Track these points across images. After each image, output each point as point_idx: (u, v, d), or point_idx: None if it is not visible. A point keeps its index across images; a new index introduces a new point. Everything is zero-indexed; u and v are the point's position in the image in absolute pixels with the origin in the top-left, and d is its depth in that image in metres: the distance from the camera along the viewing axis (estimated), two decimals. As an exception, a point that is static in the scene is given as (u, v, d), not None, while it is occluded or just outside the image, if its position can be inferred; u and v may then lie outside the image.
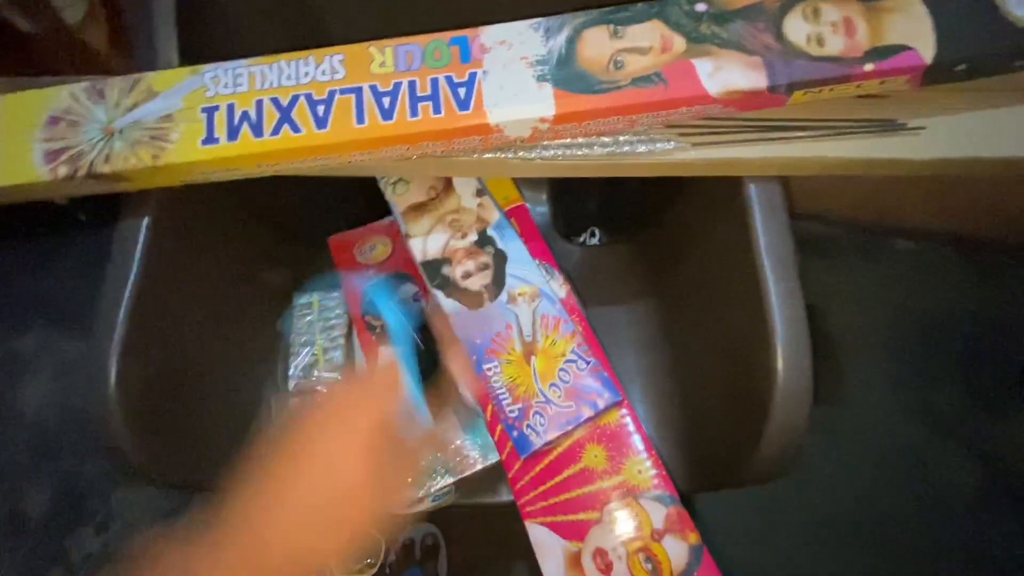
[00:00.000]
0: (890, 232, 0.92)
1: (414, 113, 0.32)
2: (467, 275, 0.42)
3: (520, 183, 0.49)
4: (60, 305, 0.99)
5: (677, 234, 0.46)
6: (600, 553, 0.36)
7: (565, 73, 0.32)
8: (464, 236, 0.43)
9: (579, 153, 0.35)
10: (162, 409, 0.38)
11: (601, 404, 0.38)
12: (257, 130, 0.32)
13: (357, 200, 0.51)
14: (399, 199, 0.44)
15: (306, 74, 0.33)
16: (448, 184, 0.45)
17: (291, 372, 0.45)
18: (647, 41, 0.32)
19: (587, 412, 0.37)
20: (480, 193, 0.43)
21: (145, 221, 0.38)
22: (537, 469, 0.39)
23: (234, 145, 0.32)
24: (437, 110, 0.32)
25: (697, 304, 0.43)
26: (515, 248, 0.42)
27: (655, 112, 0.32)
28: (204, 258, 0.43)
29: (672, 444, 0.42)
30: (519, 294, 0.41)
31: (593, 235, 0.54)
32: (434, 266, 0.43)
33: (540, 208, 0.56)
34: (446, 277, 0.42)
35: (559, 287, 0.42)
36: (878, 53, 0.31)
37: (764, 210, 0.35)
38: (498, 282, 0.41)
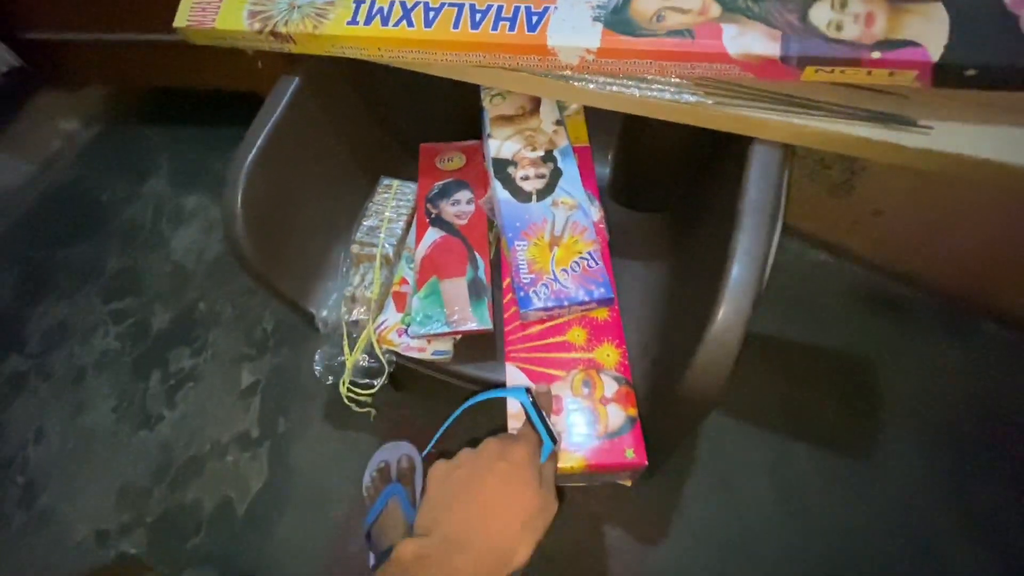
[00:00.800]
0: (980, 310, 0.86)
1: (495, 28, 0.42)
2: (526, 177, 0.52)
3: (592, 136, 0.58)
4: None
5: (694, 208, 0.52)
6: (556, 399, 0.44)
7: (617, 17, 0.40)
8: (534, 149, 0.53)
9: (615, 89, 0.42)
10: (270, 221, 0.52)
11: (596, 294, 0.46)
12: (385, 20, 0.44)
13: (452, 122, 0.63)
14: (493, 108, 0.55)
15: (430, -12, 0.44)
16: (535, 108, 0.55)
17: (361, 227, 0.57)
18: (689, 4, 0.39)
19: (583, 296, 0.46)
20: (558, 123, 0.54)
21: (296, 80, 0.51)
22: (529, 331, 0.48)
23: (366, 28, 0.44)
24: (512, 28, 0.41)
25: (697, 259, 0.48)
26: (570, 171, 0.51)
27: (680, 61, 0.39)
28: (327, 124, 0.56)
29: (640, 361, 0.48)
30: (562, 202, 0.50)
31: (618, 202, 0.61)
32: (502, 164, 0.53)
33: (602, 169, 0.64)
34: (509, 175, 0.52)
35: (595, 211, 0.51)
36: (888, 44, 0.35)
37: (759, 168, 0.40)
38: (548, 189, 0.51)
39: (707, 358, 0.37)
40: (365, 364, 0.54)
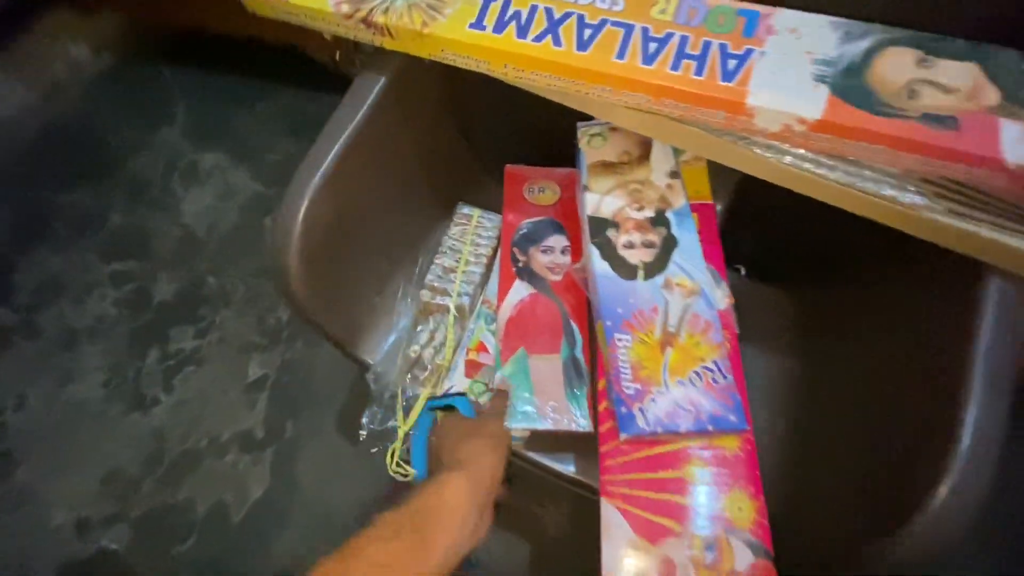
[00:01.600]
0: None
1: (675, 67, 0.31)
2: (630, 245, 0.41)
3: (713, 184, 0.47)
4: (246, 142, 1.12)
5: (856, 293, 0.42)
6: (668, 564, 0.34)
7: (850, 83, 0.29)
8: (641, 208, 0.42)
9: (809, 168, 0.32)
10: (327, 253, 0.42)
11: (725, 424, 0.36)
12: (522, 31, 0.33)
13: (545, 141, 0.52)
14: (591, 151, 0.43)
15: (587, -4, 0.33)
16: (644, 154, 0.44)
17: (432, 267, 0.47)
18: (956, 81, 0.29)
19: (706, 423, 0.35)
20: (674, 175, 0.42)
21: (382, 81, 0.40)
22: (633, 456, 0.38)
23: (496, 37, 0.34)
24: (699, 71, 0.31)
25: (854, 375, 0.39)
26: (689, 240, 0.40)
27: (933, 157, 0.29)
28: (406, 136, 0.45)
29: (780, 504, 0.38)
30: (677, 283, 0.39)
31: (738, 270, 0.51)
32: (601, 224, 0.42)
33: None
34: (608, 239, 0.41)
35: (722, 297, 0.40)
36: None
37: (999, 311, 0.30)
38: (659, 264, 0.40)
39: (909, 543, 0.29)
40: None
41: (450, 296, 0.45)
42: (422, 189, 0.50)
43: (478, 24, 0.34)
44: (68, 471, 0.89)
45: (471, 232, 0.49)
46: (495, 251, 0.49)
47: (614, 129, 0.44)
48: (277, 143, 1.11)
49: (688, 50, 0.31)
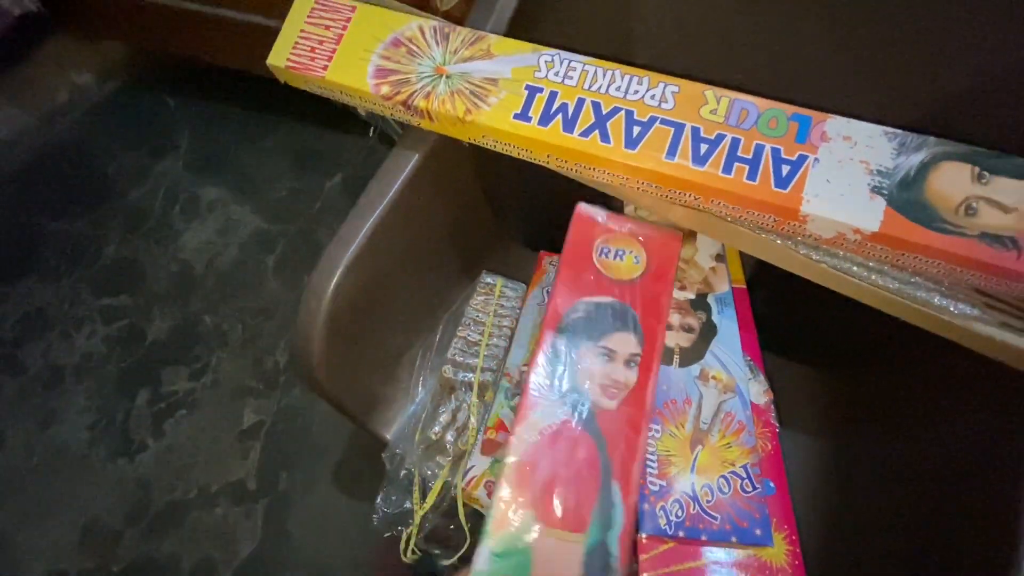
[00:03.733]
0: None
1: (726, 170, 0.31)
2: (668, 326, 0.40)
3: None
4: (250, 176, 1.11)
5: (899, 380, 0.41)
6: None
7: (907, 196, 0.29)
8: (682, 288, 0.41)
9: (865, 275, 0.32)
10: (349, 329, 0.40)
11: (749, 538, 0.34)
12: (568, 125, 0.33)
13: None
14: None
15: (636, 92, 0.33)
16: (690, 233, 0.43)
17: (455, 340, 0.45)
18: (1014, 200, 0.28)
19: (730, 535, 0.34)
20: (719, 258, 0.41)
21: (417, 157, 0.39)
22: (661, 549, 0.35)
23: (541, 130, 0.33)
24: (752, 176, 0.30)
25: (895, 468, 0.38)
26: (728, 329, 0.39)
27: (991, 275, 0.28)
28: (435, 208, 0.44)
29: None
30: (713, 376, 0.38)
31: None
32: None
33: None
34: None
35: (759, 392, 0.39)
36: None
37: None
38: (695, 353, 0.39)
39: None
40: (439, 522, 0.43)
41: (473, 372, 0.44)
42: (446, 257, 0.49)
43: (523, 115, 0.33)
44: (46, 520, 0.84)
45: (494, 303, 0.47)
46: (517, 322, 0.47)
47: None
48: (282, 178, 1.10)
49: (740, 153, 0.31)
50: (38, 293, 1.02)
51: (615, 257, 0.35)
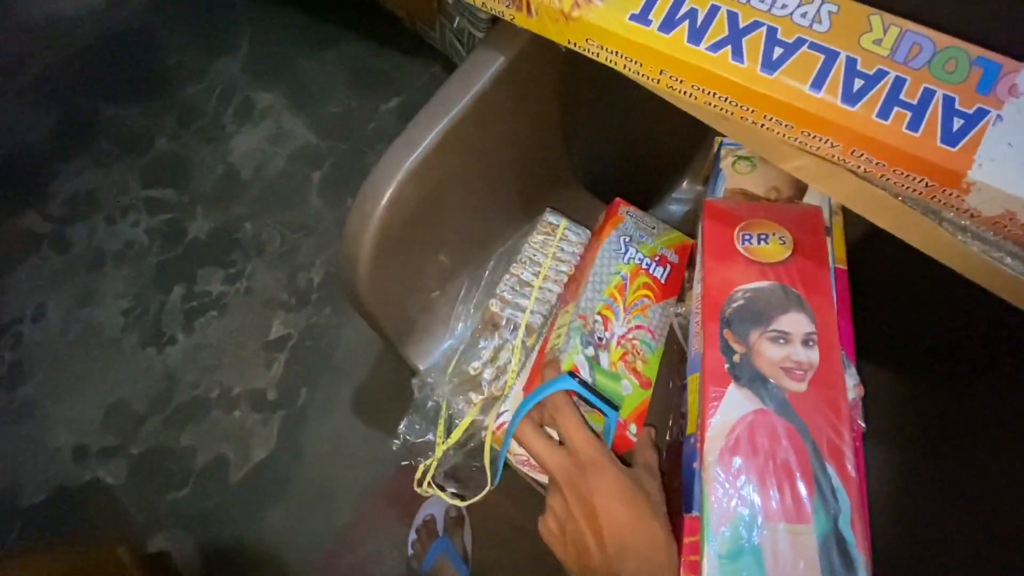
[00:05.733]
0: None
1: (882, 114, 0.25)
2: None
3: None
4: (306, 88, 1.07)
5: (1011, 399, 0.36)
6: None
7: (1113, 176, 0.23)
8: None
9: (1012, 264, 0.26)
10: (399, 244, 0.37)
11: None
12: (695, 36, 0.27)
13: (658, 159, 0.46)
14: (733, 176, 0.38)
15: (783, 6, 0.27)
16: (794, 197, 0.38)
17: (507, 277, 0.42)
18: None
19: None
20: (826, 231, 0.36)
21: (501, 61, 0.35)
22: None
23: (660, 37, 0.28)
24: (913, 126, 0.25)
25: (995, 495, 0.33)
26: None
27: None
28: (509, 127, 0.40)
29: None
30: None
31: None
32: None
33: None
34: None
35: (852, 386, 0.34)
36: None
37: None
38: None
39: None
40: (461, 461, 0.40)
41: (522, 313, 0.40)
42: (509, 187, 0.45)
43: (642, 17, 0.28)
44: (74, 394, 0.87)
45: (555, 244, 0.43)
46: (574, 269, 0.43)
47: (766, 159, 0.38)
48: (338, 94, 1.06)
49: (903, 96, 0.25)
50: (89, 175, 1.02)
51: (759, 242, 0.35)
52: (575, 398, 0.34)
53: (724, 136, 0.42)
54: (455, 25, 0.89)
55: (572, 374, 0.34)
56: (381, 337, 0.42)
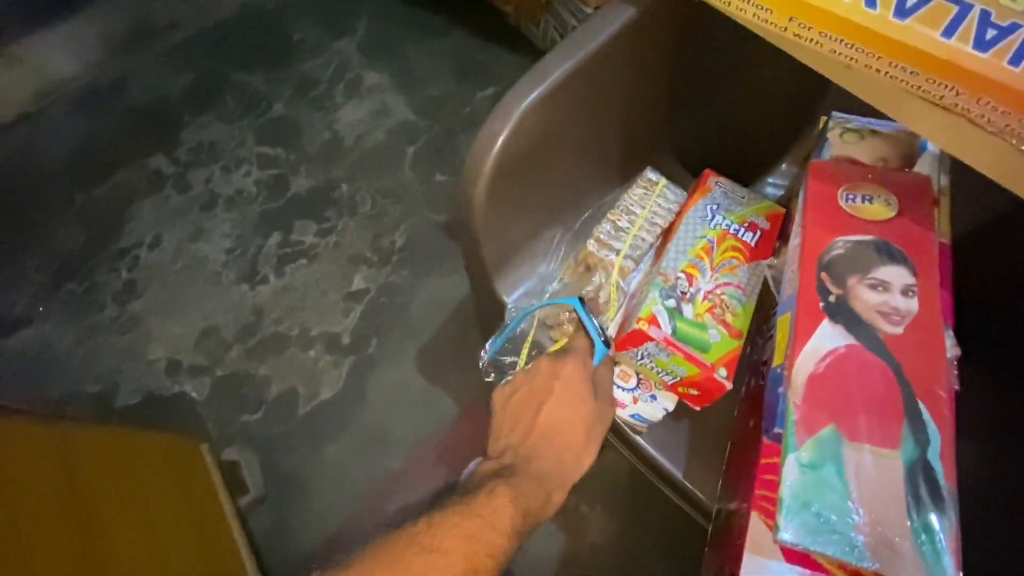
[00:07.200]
0: None
1: (1014, 62, 0.26)
2: None
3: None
4: (411, 71, 1.15)
5: None
6: None
7: None
8: None
9: None
10: (510, 176, 0.40)
11: None
12: (831, -17, 0.30)
13: (765, 129, 0.48)
14: (840, 145, 0.39)
15: (922, -39, 0.29)
16: (905, 166, 0.39)
17: (604, 222, 0.44)
18: None
19: None
20: (934, 202, 0.37)
21: (631, 12, 0.38)
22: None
23: (796, -16, 0.30)
24: (1046, 74, 0.26)
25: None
26: None
27: None
28: (625, 81, 0.43)
29: None
30: None
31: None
32: None
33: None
34: None
35: (950, 346, 0.34)
36: None
37: None
38: None
39: None
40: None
41: (616, 255, 0.43)
42: (610, 144, 0.48)
43: (780, -35, 0.31)
44: (175, 314, 0.96)
45: (653, 199, 0.46)
46: (670, 225, 0.45)
47: (875, 132, 0.39)
48: (439, 79, 1.14)
49: (1040, 47, 0.26)
50: (214, 129, 1.14)
51: (863, 201, 0.36)
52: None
53: (839, 96, 0.43)
54: (560, 18, 0.94)
55: (581, 300, 0.40)
56: (474, 266, 0.45)
